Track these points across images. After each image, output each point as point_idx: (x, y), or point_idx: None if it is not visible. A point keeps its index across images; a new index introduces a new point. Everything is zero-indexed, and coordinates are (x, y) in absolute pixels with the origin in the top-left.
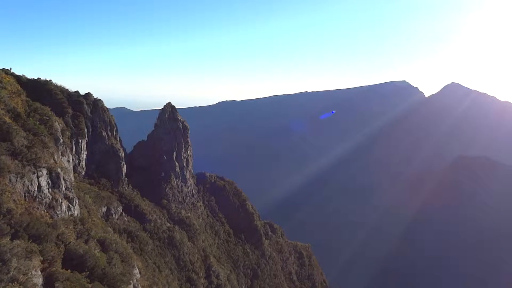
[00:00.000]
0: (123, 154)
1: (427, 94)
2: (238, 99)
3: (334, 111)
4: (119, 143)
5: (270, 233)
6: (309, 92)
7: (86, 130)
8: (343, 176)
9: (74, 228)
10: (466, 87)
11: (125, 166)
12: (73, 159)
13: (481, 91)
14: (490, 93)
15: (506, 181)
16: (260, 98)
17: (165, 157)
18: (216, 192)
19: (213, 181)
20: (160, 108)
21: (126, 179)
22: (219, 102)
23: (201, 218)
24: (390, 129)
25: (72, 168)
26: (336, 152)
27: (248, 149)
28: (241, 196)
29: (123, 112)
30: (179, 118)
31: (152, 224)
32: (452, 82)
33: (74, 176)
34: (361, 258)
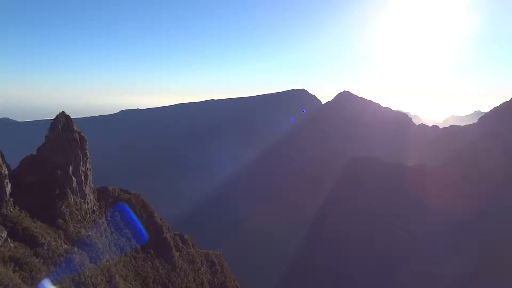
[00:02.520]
0: (6, 171)
1: (323, 101)
2: (142, 107)
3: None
4: (0, 159)
5: (180, 244)
6: (216, 100)
7: None
8: (251, 181)
9: None
10: (355, 95)
11: (9, 185)
12: None
13: (368, 99)
14: (374, 101)
15: (389, 175)
16: (166, 106)
17: (59, 172)
18: (121, 206)
19: (116, 194)
20: (52, 118)
21: (11, 199)
22: (121, 111)
23: (104, 236)
24: (293, 134)
25: None
26: (244, 159)
27: (154, 158)
28: (148, 209)
29: (5, 123)
30: (75, 128)
31: (46, 248)
32: (344, 91)
33: None
34: (271, 258)
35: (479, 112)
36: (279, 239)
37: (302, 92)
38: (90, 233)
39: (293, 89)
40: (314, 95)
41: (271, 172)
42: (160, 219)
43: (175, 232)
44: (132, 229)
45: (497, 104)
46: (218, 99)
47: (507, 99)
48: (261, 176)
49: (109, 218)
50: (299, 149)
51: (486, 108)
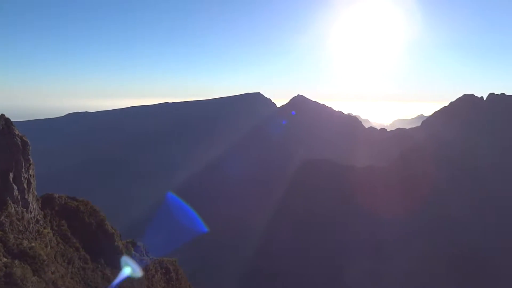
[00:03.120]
0: None
1: (278, 105)
2: (91, 110)
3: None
4: None
5: (133, 252)
6: (170, 103)
7: None
8: (206, 185)
9: None
10: (309, 99)
11: None
12: None
13: (321, 103)
14: (327, 104)
15: (341, 177)
16: (117, 109)
17: None
18: (68, 214)
19: (63, 202)
20: None
21: None
22: (68, 114)
23: (49, 247)
24: (249, 137)
25: None
26: (199, 163)
27: (106, 163)
28: (98, 216)
29: None
30: (17, 132)
31: None
32: (298, 95)
33: None
34: (228, 263)
35: (422, 116)
36: (234, 243)
37: (258, 96)
38: (33, 244)
39: (248, 93)
40: (269, 99)
41: (226, 176)
42: (111, 227)
43: (128, 240)
44: (81, 238)
45: (438, 109)
46: (172, 102)
47: (446, 104)
48: (216, 180)
49: (55, 228)
50: (254, 152)
51: (429, 112)
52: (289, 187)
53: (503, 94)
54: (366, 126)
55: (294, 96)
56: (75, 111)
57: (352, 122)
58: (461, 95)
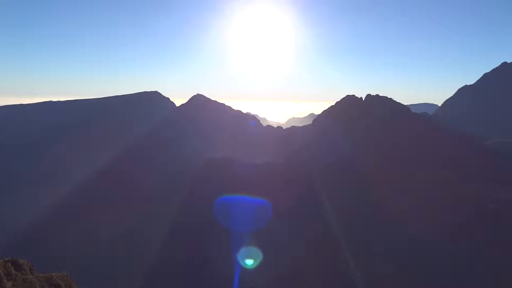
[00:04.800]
0: None
1: (177, 104)
2: None
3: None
4: None
5: (14, 271)
6: (54, 101)
7: None
8: (101, 191)
9: None
10: (209, 98)
11: None
12: None
13: (220, 102)
14: (227, 104)
15: (243, 175)
16: None
17: None
18: None
19: None
20: None
21: None
22: None
23: None
24: (146, 138)
25: None
26: (90, 167)
27: None
28: None
29: None
30: None
31: None
32: (198, 94)
33: None
34: (133, 267)
35: (313, 114)
36: (139, 245)
37: (155, 95)
38: None
39: (146, 91)
40: (167, 98)
41: (121, 180)
42: None
43: (7, 258)
44: None
45: (326, 108)
46: (58, 101)
47: (333, 103)
48: (111, 185)
49: None
50: (153, 153)
51: (319, 110)
52: (191, 188)
53: (377, 95)
54: (264, 125)
55: (193, 95)
56: None
57: (251, 120)
58: (344, 96)
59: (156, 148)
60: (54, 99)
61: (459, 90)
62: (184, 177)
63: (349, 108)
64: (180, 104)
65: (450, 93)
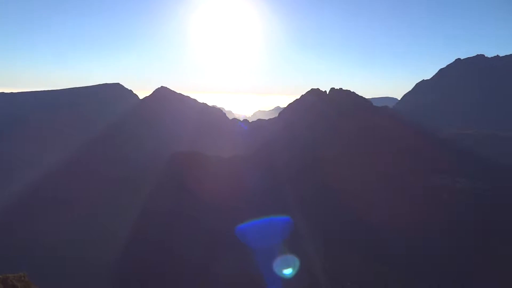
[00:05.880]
0: None
1: (141, 97)
2: None
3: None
4: None
5: None
6: (7, 93)
7: None
8: (60, 186)
9: None
10: (173, 91)
11: None
12: None
13: (185, 95)
14: (192, 96)
15: (214, 169)
16: None
17: None
18: None
19: None
20: None
21: None
22: None
23: None
24: (109, 132)
25: None
26: (49, 161)
27: None
28: None
29: None
30: None
31: None
32: (162, 86)
33: None
34: (90, 267)
35: (279, 107)
36: (100, 243)
37: (117, 87)
38: None
39: (106, 83)
40: (130, 90)
41: (82, 176)
42: None
43: None
44: None
45: (292, 101)
46: (10, 93)
47: (298, 97)
48: (71, 181)
49: None
50: (116, 148)
51: (285, 104)
52: (156, 183)
53: (341, 88)
54: (230, 118)
55: (157, 87)
56: None
57: (217, 113)
58: (309, 89)
59: (119, 142)
60: (6, 90)
61: (417, 84)
62: (149, 172)
63: (313, 101)
64: (144, 97)
65: (410, 87)
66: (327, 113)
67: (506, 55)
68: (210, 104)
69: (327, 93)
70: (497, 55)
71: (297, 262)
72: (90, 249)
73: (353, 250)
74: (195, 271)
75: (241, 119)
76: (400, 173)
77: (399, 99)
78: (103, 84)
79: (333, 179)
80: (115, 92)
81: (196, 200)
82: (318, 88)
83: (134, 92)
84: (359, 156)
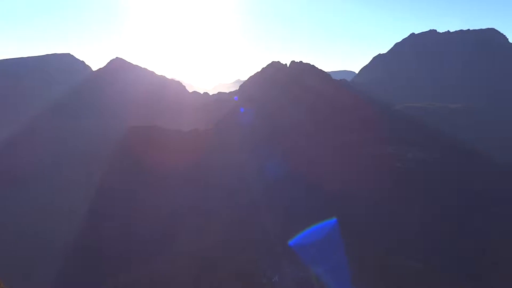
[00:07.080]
0: None
1: (94, 68)
2: None
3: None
4: None
5: None
6: None
7: None
8: (9, 165)
9: None
10: (129, 62)
11: None
12: None
13: (142, 66)
14: (149, 68)
15: (174, 145)
16: None
17: None
18: None
19: None
20: None
21: None
22: None
23: None
24: (60, 105)
25: None
26: None
27: None
28: None
29: None
30: None
31: None
32: (117, 57)
33: None
34: (43, 244)
35: (239, 80)
36: (53, 221)
37: (68, 57)
38: None
39: (56, 53)
40: (82, 61)
41: (33, 152)
42: None
43: None
44: None
45: (253, 74)
46: None
47: (259, 70)
48: (21, 158)
49: None
50: (68, 122)
51: (245, 76)
52: (113, 158)
53: (301, 61)
54: (190, 91)
55: (112, 58)
56: None
57: (176, 86)
58: (270, 62)
59: (70, 116)
60: None
61: (373, 58)
62: (104, 147)
63: (274, 73)
64: (97, 68)
65: (367, 61)
66: (286, 85)
67: (455, 31)
68: (169, 77)
69: (288, 66)
70: (448, 30)
71: None
72: (43, 225)
73: (312, 218)
74: (153, 248)
75: (202, 93)
76: (355, 142)
77: (356, 72)
78: (52, 54)
79: (292, 149)
80: (66, 63)
81: (153, 175)
82: (278, 61)
83: (87, 64)
84: (316, 126)
